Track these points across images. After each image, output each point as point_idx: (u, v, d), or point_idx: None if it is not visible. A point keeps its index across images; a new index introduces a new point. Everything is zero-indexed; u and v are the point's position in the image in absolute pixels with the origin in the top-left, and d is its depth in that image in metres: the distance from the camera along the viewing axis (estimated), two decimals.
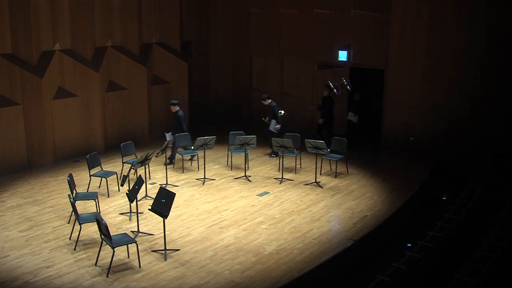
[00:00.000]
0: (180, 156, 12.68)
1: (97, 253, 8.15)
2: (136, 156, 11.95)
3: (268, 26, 15.84)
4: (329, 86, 13.56)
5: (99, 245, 8.19)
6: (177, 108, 12.44)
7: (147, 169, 11.67)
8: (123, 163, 11.92)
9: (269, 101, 13.26)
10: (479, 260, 7.65)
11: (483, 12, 12.49)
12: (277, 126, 13.11)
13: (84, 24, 13.19)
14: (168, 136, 11.89)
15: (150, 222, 9.57)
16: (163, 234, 8.40)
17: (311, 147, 11.50)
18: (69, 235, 8.97)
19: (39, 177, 11.98)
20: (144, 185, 9.97)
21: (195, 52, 16.60)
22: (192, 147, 12.08)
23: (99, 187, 11.18)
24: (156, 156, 11.85)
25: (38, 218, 9.76)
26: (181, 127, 12.31)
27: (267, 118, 13.32)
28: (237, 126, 14.35)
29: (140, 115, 14.58)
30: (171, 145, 11.60)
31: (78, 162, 12.75)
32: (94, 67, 13.33)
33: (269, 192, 11.19)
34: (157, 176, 12.05)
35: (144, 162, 10.58)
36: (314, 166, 12.01)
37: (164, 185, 11.21)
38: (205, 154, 12.03)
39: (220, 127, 15.23)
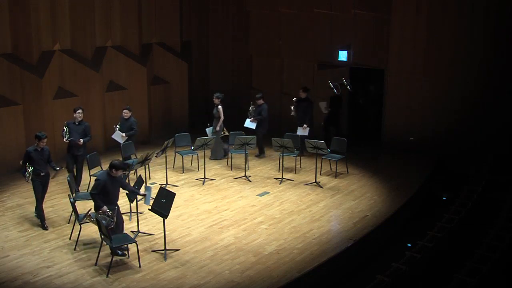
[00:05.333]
0: (180, 156, 12.68)
1: (97, 253, 8.16)
2: (136, 156, 11.94)
3: (268, 26, 15.81)
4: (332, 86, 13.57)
5: (99, 245, 8.19)
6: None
7: (147, 169, 11.67)
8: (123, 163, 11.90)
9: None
10: (479, 260, 7.64)
11: (483, 12, 12.48)
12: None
13: (84, 24, 13.18)
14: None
15: (150, 222, 9.57)
16: (163, 234, 8.40)
17: (311, 147, 11.49)
18: (69, 235, 8.97)
19: None
20: (144, 185, 9.94)
21: (195, 52, 16.59)
22: (192, 147, 12.09)
23: None
24: (156, 156, 11.82)
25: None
26: None
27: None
28: (237, 126, 14.33)
29: (140, 115, 14.54)
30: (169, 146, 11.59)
31: None
32: (94, 67, 13.32)
33: (269, 192, 11.18)
34: (157, 176, 12.05)
35: (144, 162, 10.58)
36: (314, 166, 12.00)
37: (164, 185, 11.21)
38: (205, 154, 12.02)
39: None
